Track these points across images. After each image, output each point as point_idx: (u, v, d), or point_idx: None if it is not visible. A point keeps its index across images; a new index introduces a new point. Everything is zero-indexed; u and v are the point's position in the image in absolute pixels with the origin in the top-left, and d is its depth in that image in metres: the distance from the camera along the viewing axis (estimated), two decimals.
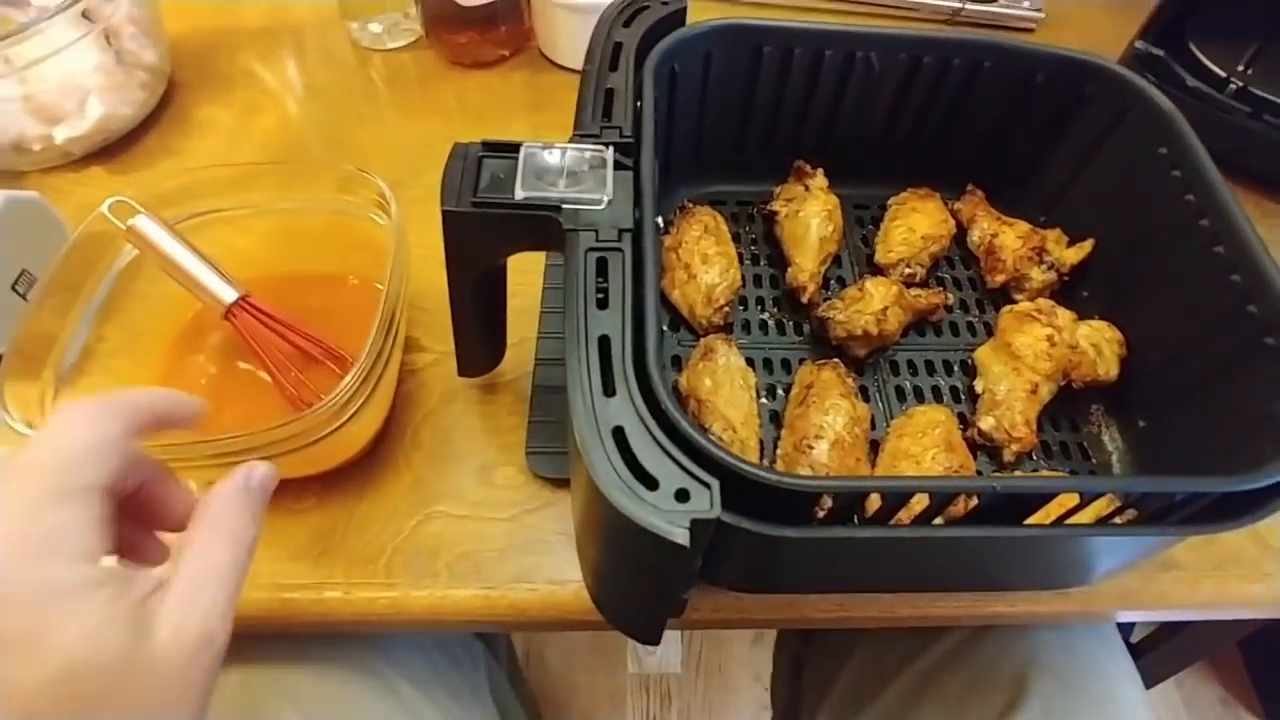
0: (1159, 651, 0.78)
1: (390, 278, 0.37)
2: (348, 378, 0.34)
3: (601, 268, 0.29)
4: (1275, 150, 0.52)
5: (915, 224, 0.45)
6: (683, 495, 0.24)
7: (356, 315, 0.42)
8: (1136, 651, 0.80)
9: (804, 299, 0.43)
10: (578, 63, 0.61)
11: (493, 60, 0.61)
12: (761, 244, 0.48)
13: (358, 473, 0.40)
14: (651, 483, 0.24)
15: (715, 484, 0.24)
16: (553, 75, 0.60)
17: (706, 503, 0.23)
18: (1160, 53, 0.55)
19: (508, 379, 0.44)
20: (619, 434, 0.25)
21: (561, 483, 0.40)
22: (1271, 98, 0.51)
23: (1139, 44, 0.55)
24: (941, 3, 0.63)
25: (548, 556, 0.38)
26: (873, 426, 0.39)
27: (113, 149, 0.56)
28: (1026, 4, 0.63)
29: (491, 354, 0.41)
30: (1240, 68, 0.53)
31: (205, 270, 0.40)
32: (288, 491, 0.40)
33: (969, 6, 0.63)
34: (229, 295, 0.40)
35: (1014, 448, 0.38)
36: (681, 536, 0.23)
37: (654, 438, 0.25)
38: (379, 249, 0.41)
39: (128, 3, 0.53)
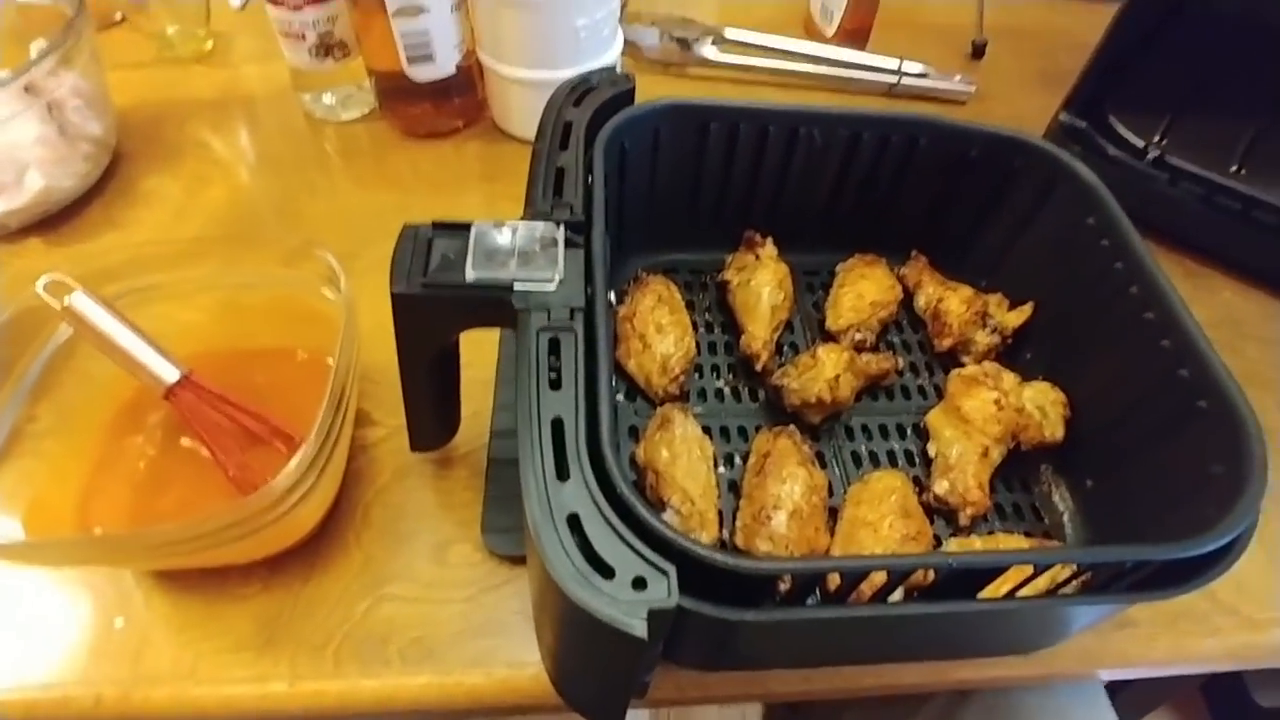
0: (1121, 698, 0.79)
1: (339, 354, 0.36)
2: (294, 461, 0.33)
3: (554, 347, 0.29)
4: (1193, 215, 0.55)
5: (864, 290, 0.46)
6: (640, 583, 0.23)
7: (306, 390, 0.41)
8: None
9: (758, 367, 0.43)
10: (532, 134, 0.62)
11: (447, 131, 0.62)
12: (715, 311, 0.48)
13: (305, 553, 0.39)
14: (608, 571, 0.23)
15: (672, 570, 0.24)
16: (507, 146, 0.61)
17: (664, 591, 0.23)
18: (1083, 124, 0.58)
19: (462, 452, 0.43)
20: (574, 521, 0.24)
21: (519, 560, 0.39)
22: (1185, 166, 0.55)
23: (1063, 116, 0.59)
24: (879, 78, 0.66)
25: (505, 638, 0.37)
26: (830, 493, 0.39)
27: (54, 220, 0.54)
28: (958, 78, 0.67)
29: (445, 428, 0.40)
30: (1156, 138, 0.56)
31: (145, 349, 0.39)
32: (231, 576, 0.38)
33: (905, 81, 0.66)
34: (170, 375, 0.39)
35: (969, 511, 0.38)
36: (640, 629, 0.22)
37: (609, 523, 0.24)
38: (328, 322, 0.40)
39: (73, 76, 0.53)
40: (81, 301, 0.39)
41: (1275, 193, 0.52)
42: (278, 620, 0.37)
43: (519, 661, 0.36)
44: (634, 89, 0.41)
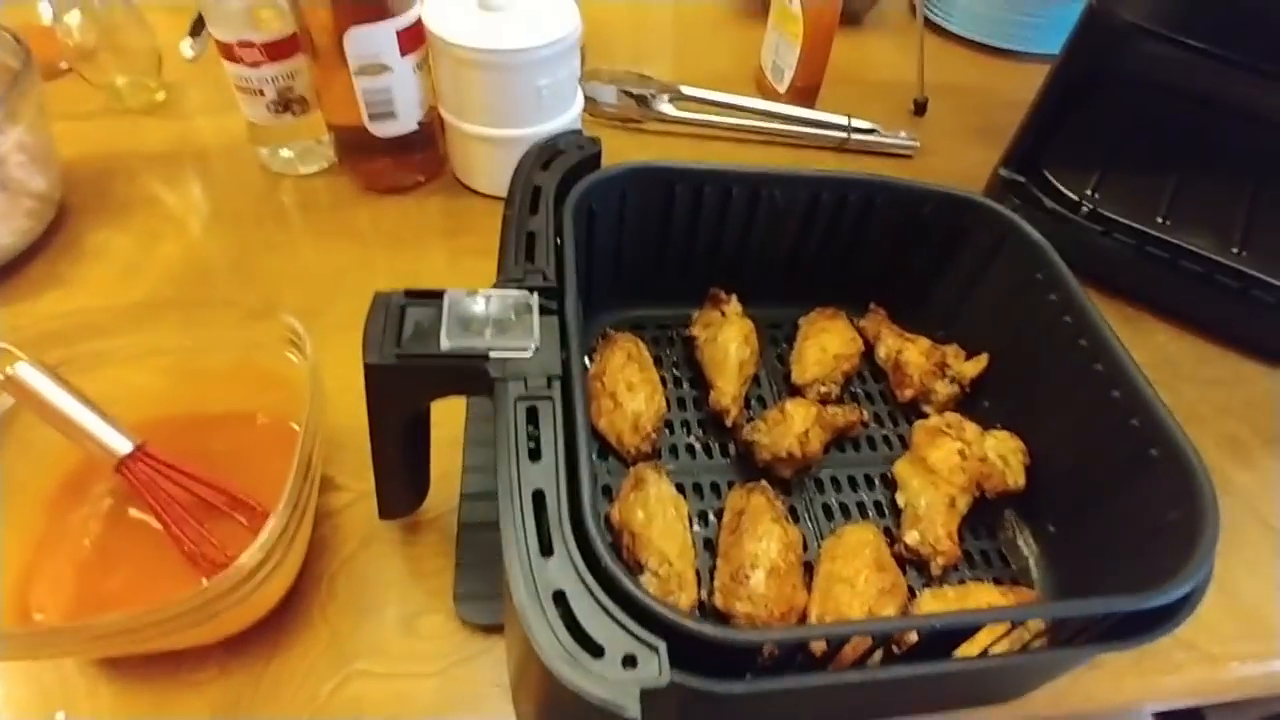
0: None
1: (306, 421, 0.36)
2: (261, 536, 0.32)
3: (532, 416, 0.29)
4: (1126, 263, 0.58)
5: (826, 343, 0.47)
6: (630, 661, 0.23)
7: (267, 456, 0.40)
8: None
9: (728, 422, 0.44)
10: (494, 189, 0.62)
11: (408, 186, 0.61)
12: (683, 366, 0.49)
13: (266, 629, 0.37)
14: (597, 650, 0.23)
15: (662, 646, 0.23)
16: (469, 201, 0.61)
17: (655, 668, 0.23)
18: (1021, 179, 0.61)
19: (431, 516, 0.42)
20: (559, 598, 0.24)
21: (495, 629, 0.38)
22: (1117, 218, 0.58)
23: (1003, 171, 0.62)
24: (830, 133, 0.69)
25: (482, 713, 0.35)
26: (804, 546, 0.40)
27: None
28: (903, 134, 0.70)
29: (416, 495, 0.39)
30: (1089, 192, 0.59)
31: (95, 421, 0.37)
32: (184, 662, 0.36)
33: (855, 136, 0.69)
34: (122, 447, 0.38)
35: (940, 561, 0.39)
36: (633, 710, 0.22)
37: (596, 599, 0.24)
38: (290, 385, 0.39)
39: (18, 131, 0.51)
40: (26, 371, 0.37)
41: (1198, 242, 0.56)
42: (237, 706, 0.35)
43: None
44: (600, 152, 0.42)
